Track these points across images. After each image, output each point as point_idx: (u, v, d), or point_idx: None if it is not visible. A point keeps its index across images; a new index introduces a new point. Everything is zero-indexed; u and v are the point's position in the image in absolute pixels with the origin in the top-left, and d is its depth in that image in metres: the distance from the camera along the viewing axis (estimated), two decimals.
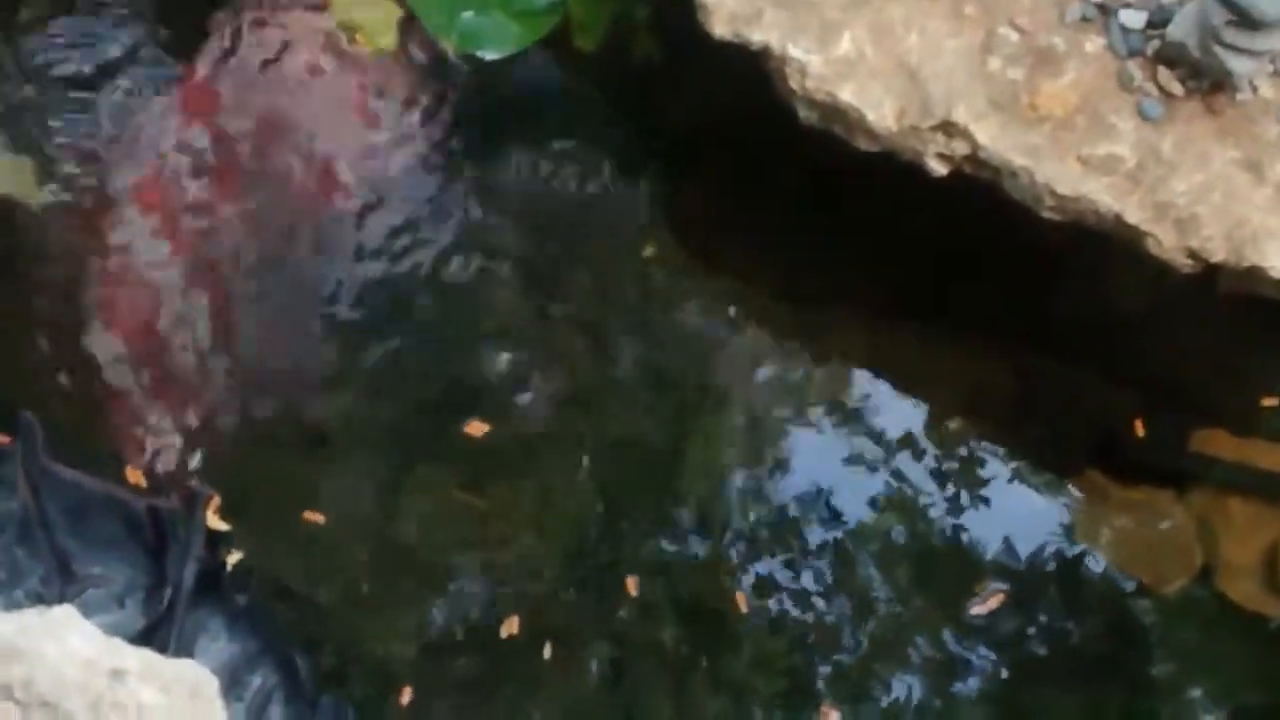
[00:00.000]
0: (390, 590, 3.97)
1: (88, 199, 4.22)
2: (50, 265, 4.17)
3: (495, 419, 4.11)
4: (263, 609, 3.85)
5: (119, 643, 3.02)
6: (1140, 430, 4.11)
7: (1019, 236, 3.86)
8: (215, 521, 3.85)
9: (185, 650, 3.66)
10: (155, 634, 3.64)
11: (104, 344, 4.09)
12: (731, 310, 4.32)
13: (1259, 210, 3.59)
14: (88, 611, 3.23)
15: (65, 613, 2.99)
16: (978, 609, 4.01)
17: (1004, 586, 4.04)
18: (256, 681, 3.74)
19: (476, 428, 4.08)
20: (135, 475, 3.94)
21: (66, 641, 2.89)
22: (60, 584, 3.65)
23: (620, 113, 4.51)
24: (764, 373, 4.26)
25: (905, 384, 4.25)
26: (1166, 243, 3.62)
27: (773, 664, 3.97)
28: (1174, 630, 4.03)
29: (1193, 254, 3.61)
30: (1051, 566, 4.09)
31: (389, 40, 4.44)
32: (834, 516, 4.10)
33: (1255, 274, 3.61)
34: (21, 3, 4.42)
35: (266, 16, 4.44)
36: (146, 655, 3.00)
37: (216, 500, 3.88)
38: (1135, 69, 3.69)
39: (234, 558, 3.86)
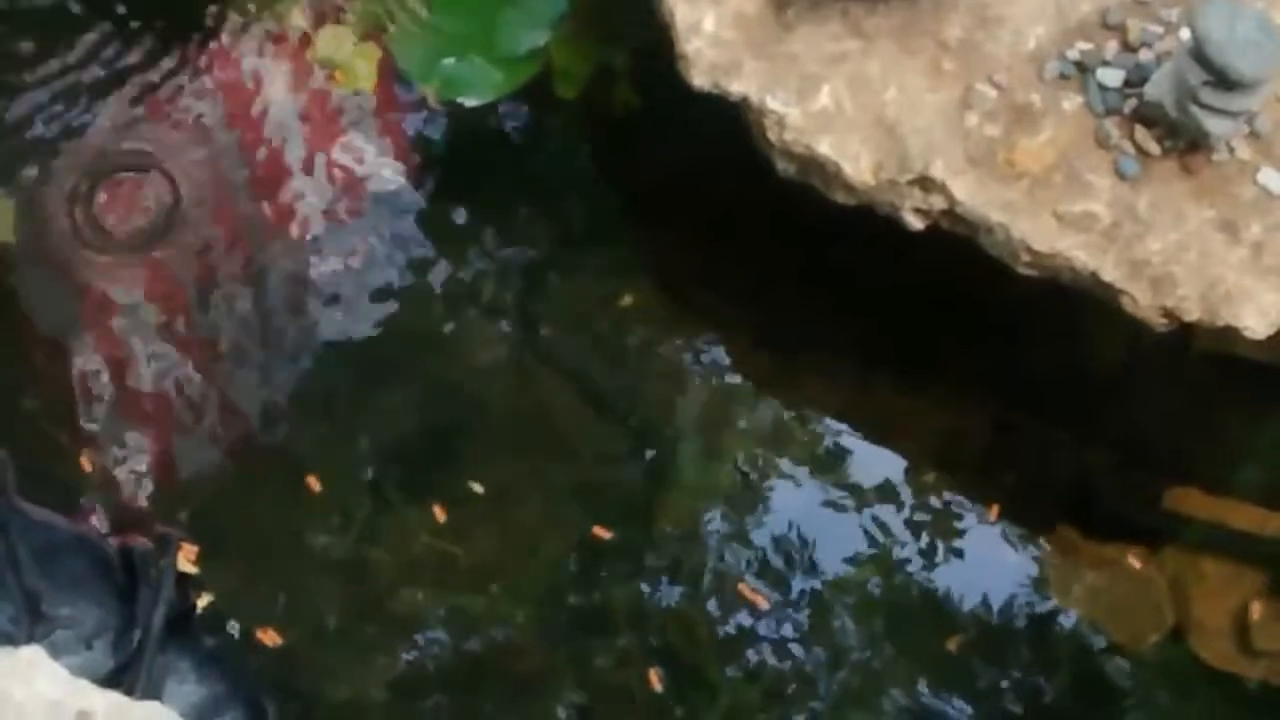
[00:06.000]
0: (361, 634, 3.96)
1: (63, 237, 4.22)
2: (23, 303, 4.17)
3: (470, 464, 4.11)
4: (232, 652, 3.83)
5: (86, 685, 3.02)
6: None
7: (997, 289, 3.86)
8: (186, 563, 3.84)
9: (153, 693, 3.62)
10: (123, 676, 3.62)
11: (77, 383, 4.08)
12: (709, 359, 4.32)
13: (1234, 270, 3.60)
14: (56, 653, 3.23)
15: (33, 654, 2.99)
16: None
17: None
18: None
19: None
20: (106, 516, 3.93)
21: (34, 683, 2.89)
22: (29, 624, 3.62)
23: (599, 160, 4.52)
24: (741, 422, 4.26)
25: (881, 434, 4.24)
26: (1141, 301, 3.62)
27: (748, 714, 3.96)
28: (1146, 688, 4.03)
29: (1167, 313, 3.61)
30: (1023, 620, 4.09)
31: (367, 80, 4.44)
32: (809, 565, 4.09)
33: (1230, 334, 3.61)
34: None
35: (245, 49, 4.45)
36: (114, 698, 3.00)
37: (188, 542, 3.87)
38: (1112, 127, 3.70)
39: (204, 600, 3.86)
